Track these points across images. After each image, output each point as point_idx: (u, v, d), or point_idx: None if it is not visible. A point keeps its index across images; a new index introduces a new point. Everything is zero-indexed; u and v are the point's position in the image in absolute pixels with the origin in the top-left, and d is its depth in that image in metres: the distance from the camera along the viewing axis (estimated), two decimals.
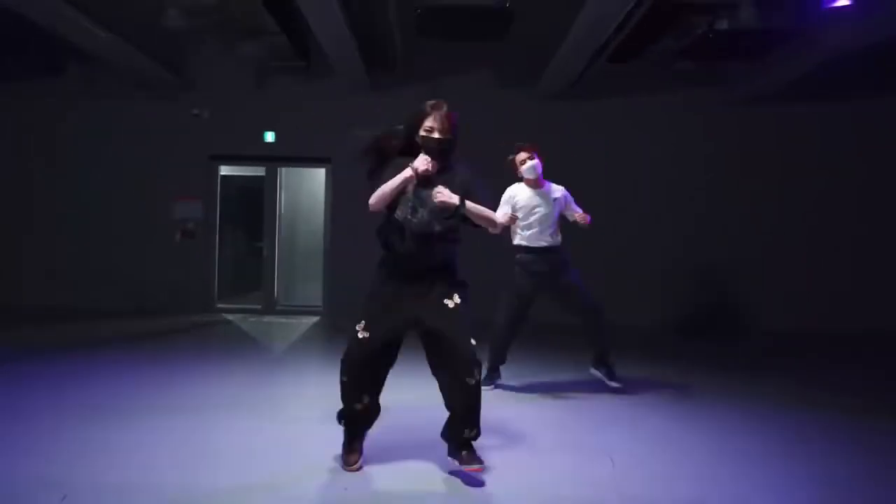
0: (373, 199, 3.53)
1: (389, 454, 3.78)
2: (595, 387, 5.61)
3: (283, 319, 9.84)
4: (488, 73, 10.24)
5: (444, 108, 3.59)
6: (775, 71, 8.90)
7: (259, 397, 5.23)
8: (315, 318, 9.99)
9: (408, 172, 3.45)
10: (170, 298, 10.03)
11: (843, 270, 10.04)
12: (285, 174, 10.92)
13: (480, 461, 3.43)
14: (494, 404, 4.75)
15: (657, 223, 10.17)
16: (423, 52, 9.91)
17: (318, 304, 10.53)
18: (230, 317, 9.84)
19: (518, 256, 5.37)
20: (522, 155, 5.44)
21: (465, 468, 3.41)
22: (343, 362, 3.49)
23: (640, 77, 9.85)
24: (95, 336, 7.87)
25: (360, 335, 3.47)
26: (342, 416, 3.63)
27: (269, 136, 10.31)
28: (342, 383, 3.52)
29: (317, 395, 5.25)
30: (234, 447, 3.98)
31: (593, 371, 5.55)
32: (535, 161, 5.39)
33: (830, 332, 9.40)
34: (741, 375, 6.59)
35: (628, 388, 5.54)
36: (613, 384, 5.43)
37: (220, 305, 10.40)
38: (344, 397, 3.55)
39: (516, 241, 5.39)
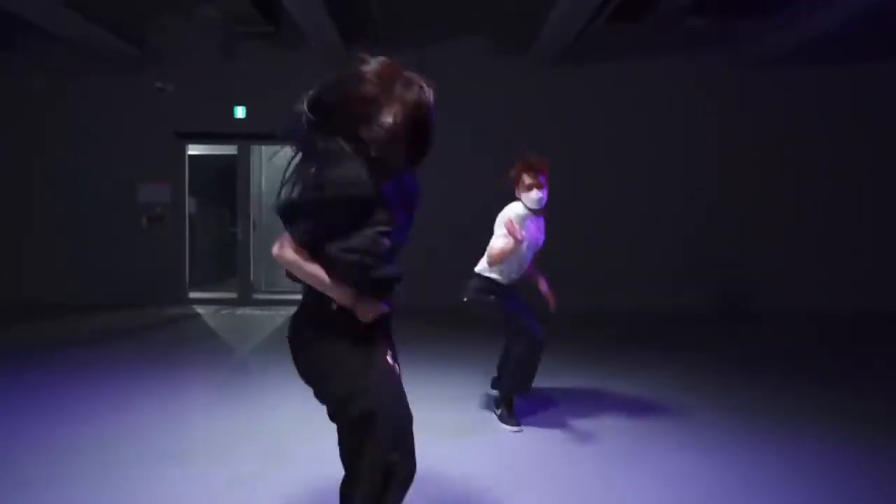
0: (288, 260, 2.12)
1: None
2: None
3: (257, 312, 9.06)
4: (479, 40, 9.34)
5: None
6: (789, 30, 8.03)
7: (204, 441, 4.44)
8: (294, 309, 9.19)
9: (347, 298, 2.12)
10: (137, 290, 9.27)
11: (861, 241, 9.38)
12: (263, 152, 10.13)
13: None
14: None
15: (663, 194, 9.39)
16: (407, 15, 9.05)
17: (298, 290, 9.73)
18: (200, 309, 9.05)
19: (481, 285, 4.25)
20: (527, 180, 4.20)
21: None
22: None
23: (644, 38, 9.03)
24: (42, 337, 7.10)
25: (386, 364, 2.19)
26: None
27: (240, 112, 9.45)
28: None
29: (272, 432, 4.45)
30: None
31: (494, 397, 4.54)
32: (543, 193, 4.21)
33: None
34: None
35: None
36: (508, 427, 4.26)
37: (192, 296, 9.63)
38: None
39: (490, 273, 4.26)
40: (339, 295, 2.10)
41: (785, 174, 9.41)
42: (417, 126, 2.09)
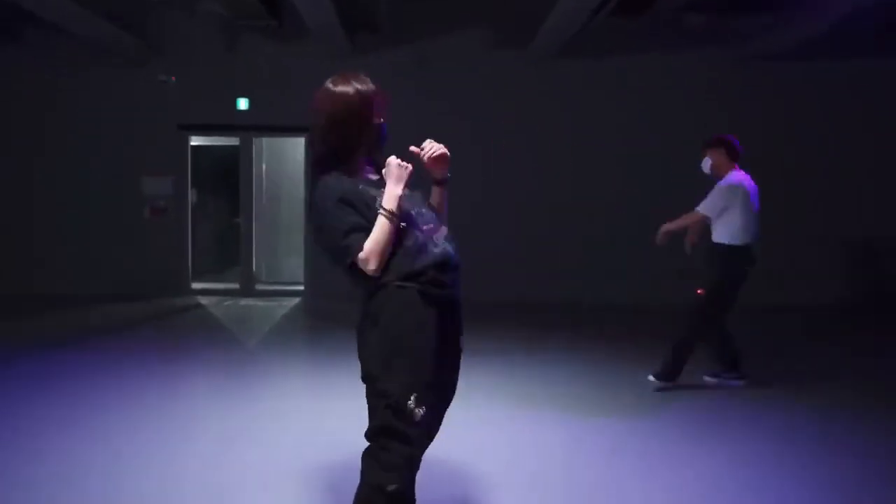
0: (369, 254, 2.12)
1: None
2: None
3: (261, 303, 9.17)
4: (480, 33, 9.41)
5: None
6: (791, 26, 8.12)
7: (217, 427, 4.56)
8: (296, 300, 9.33)
9: (397, 183, 2.21)
10: (141, 281, 9.36)
11: (859, 235, 9.51)
12: (266, 144, 10.21)
13: None
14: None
15: (663, 188, 9.46)
16: (409, 11, 9.11)
17: (300, 280, 9.87)
18: (204, 300, 9.16)
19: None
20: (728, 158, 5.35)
21: None
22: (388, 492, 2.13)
23: (643, 34, 9.07)
24: (50, 330, 7.20)
25: (414, 410, 2.12)
26: None
27: (243, 104, 9.51)
28: None
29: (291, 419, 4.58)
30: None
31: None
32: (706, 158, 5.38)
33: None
34: None
35: None
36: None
37: (195, 286, 9.73)
38: None
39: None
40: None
41: (784, 170, 9.49)
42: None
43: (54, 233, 9.45)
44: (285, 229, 10.65)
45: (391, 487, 2.11)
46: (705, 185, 9.00)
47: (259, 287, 9.89)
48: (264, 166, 10.35)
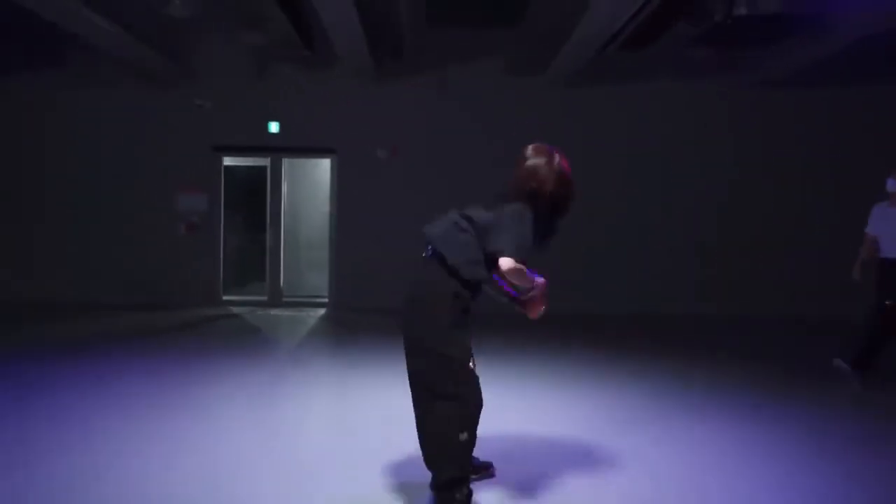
0: (515, 271, 2.98)
1: None
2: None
3: (289, 312, 9.70)
4: (498, 62, 10.04)
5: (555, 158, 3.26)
6: (794, 56, 8.74)
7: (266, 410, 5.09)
8: (321, 311, 9.86)
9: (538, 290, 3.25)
10: (175, 292, 9.88)
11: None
12: (288, 164, 10.76)
13: None
14: None
15: (675, 210, 10.06)
16: (431, 40, 9.74)
17: (324, 294, 10.40)
18: (236, 310, 9.69)
19: None
20: None
21: None
22: (469, 416, 3.00)
23: (652, 64, 9.68)
24: (99, 334, 7.72)
25: (475, 369, 3.07)
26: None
27: (274, 127, 10.11)
28: (464, 444, 2.99)
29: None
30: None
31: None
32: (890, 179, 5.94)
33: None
34: None
35: None
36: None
37: (225, 298, 10.25)
38: (465, 463, 3.06)
39: None
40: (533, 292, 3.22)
41: (792, 190, 10.08)
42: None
43: (94, 246, 9.97)
44: (305, 246, 11.18)
45: (463, 436, 2.94)
46: (716, 203, 9.59)
47: (285, 299, 10.40)
48: (286, 186, 10.85)
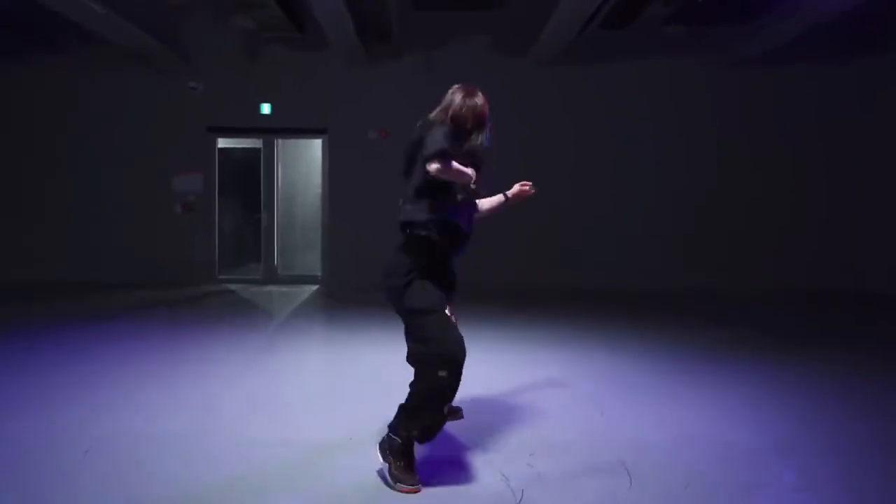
0: (445, 167, 2.96)
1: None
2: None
3: (284, 288, 10.04)
4: (483, 43, 10.31)
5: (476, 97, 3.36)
6: (767, 33, 9.00)
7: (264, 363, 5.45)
8: (314, 287, 10.20)
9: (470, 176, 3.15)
10: (172, 271, 10.20)
11: (840, 230, 10.35)
12: (283, 145, 11.03)
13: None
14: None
15: (656, 187, 10.38)
16: (418, 23, 10.03)
17: (317, 273, 10.73)
18: (233, 286, 10.03)
19: None
20: None
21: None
22: (449, 361, 2.97)
23: (631, 43, 9.98)
24: (107, 308, 8.06)
25: (452, 317, 3.14)
26: (426, 431, 3.09)
27: (266, 108, 10.40)
28: (445, 390, 3.00)
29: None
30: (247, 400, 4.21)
31: None
32: None
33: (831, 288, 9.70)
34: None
35: None
36: None
37: (221, 277, 10.58)
38: (440, 405, 3.04)
39: None
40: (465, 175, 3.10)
41: (775, 169, 10.39)
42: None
43: (92, 226, 10.28)
44: (300, 227, 11.49)
45: (442, 373, 2.98)
46: (700, 179, 9.86)
47: (280, 276, 10.72)
48: (279, 168, 11.12)
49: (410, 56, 10.30)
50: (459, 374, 2.99)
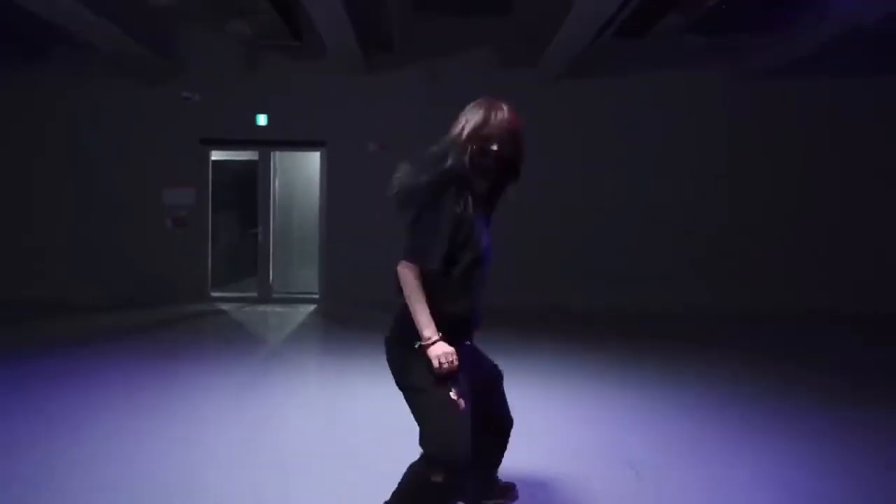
0: (402, 272, 2.47)
1: None
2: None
3: (278, 308, 9.57)
4: (489, 53, 9.90)
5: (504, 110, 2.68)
6: (788, 44, 8.60)
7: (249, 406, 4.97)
8: (312, 307, 9.72)
9: (434, 345, 2.43)
10: (162, 289, 9.75)
11: (863, 247, 9.90)
12: (280, 158, 10.62)
13: None
14: None
15: (667, 202, 9.95)
16: (421, 31, 9.62)
17: (315, 290, 10.28)
18: (224, 306, 9.55)
19: None
20: None
21: None
22: (445, 462, 2.41)
23: (645, 53, 9.56)
24: (82, 332, 7.59)
25: (458, 399, 2.47)
26: None
27: (262, 119, 9.97)
28: (436, 488, 2.42)
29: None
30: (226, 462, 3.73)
31: None
32: None
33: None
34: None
35: None
36: None
37: (214, 294, 10.12)
38: None
39: None
40: (424, 325, 2.42)
41: (790, 182, 9.96)
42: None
43: (78, 242, 9.84)
44: (297, 242, 11.04)
45: (437, 478, 2.41)
46: (711, 196, 9.47)
47: (275, 295, 10.27)
48: (277, 181, 10.71)
49: (412, 65, 9.88)
50: (459, 480, 2.42)
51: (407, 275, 2.44)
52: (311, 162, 10.70)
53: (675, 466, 3.67)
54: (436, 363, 2.39)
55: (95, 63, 9.55)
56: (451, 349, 2.40)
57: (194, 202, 9.98)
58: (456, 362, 2.41)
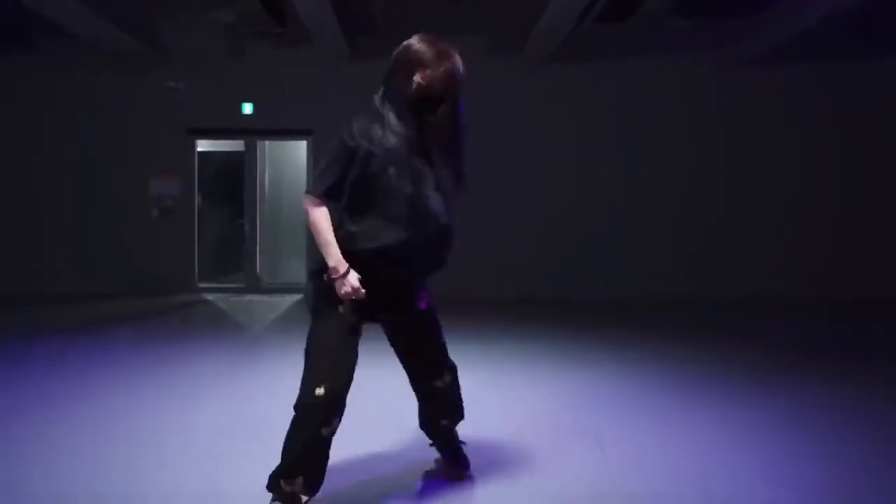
0: (308, 209, 2.58)
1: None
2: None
3: (265, 298, 9.53)
4: (475, 38, 9.81)
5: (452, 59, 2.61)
6: (771, 29, 8.54)
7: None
8: (299, 297, 9.69)
9: (340, 272, 2.50)
10: (148, 279, 9.71)
11: (841, 233, 9.84)
12: (268, 147, 10.57)
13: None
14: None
15: (649, 186, 9.90)
16: (405, 17, 9.54)
17: (302, 280, 10.24)
18: (210, 297, 9.51)
19: None
20: None
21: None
22: (299, 405, 2.61)
23: (629, 38, 9.51)
24: (69, 321, 7.55)
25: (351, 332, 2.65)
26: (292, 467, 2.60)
27: (248, 108, 9.92)
28: (290, 427, 2.62)
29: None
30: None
31: None
32: None
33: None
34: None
35: None
36: None
37: (201, 285, 10.08)
38: (288, 451, 2.62)
39: None
40: (327, 256, 2.51)
41: (779, 168, 9.91)
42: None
43: (64, 233, 9.80)
44: (285, 232, 10.99)
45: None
46: (701, 181, 9.38)
47: (263, 285, 10.22)
48: (266, 171, 10.67)
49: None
50: (335, 403, 2.51)
51: (310, 210, 2.55)
52: (300, 151, 10.65)
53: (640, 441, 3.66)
54: (339, 290, 2.48)
55: (80, 53, 9.49)
56: (356, 283, 2.47)
57: (179, 192, 9.92)
58: (360, 294, 2.48)
